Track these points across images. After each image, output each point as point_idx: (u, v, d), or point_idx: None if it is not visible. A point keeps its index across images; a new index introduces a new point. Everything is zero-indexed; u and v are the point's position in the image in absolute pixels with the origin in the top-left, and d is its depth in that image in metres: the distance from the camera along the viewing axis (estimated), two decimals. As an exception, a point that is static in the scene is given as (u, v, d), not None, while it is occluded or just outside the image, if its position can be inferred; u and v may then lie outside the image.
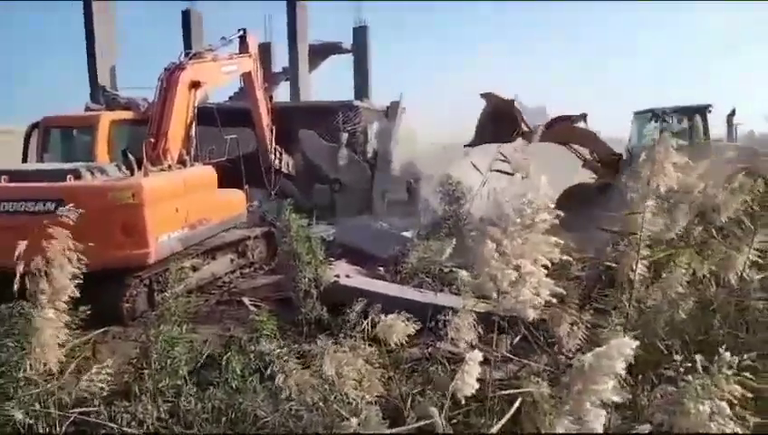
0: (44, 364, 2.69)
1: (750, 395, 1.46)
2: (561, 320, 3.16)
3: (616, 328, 2.80)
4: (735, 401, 1.42)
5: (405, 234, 9.04)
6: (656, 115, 13.49)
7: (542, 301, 1.86)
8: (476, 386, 1.75)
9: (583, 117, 11.98)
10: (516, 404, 1.90)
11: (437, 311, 3.89)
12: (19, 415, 2.70)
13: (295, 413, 2.99)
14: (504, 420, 1.90)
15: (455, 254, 6.31)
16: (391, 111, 15.28)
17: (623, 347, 1.46)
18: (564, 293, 2.14)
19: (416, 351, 4.69)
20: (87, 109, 8.54)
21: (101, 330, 5.32)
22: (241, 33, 9.33)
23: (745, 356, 1.53)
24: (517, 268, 1.73)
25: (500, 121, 10.97)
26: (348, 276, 6.48)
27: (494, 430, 1.86)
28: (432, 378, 3.62)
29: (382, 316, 2.43)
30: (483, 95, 10.90)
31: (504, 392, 2.28)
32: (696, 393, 1.41)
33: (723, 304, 3.21)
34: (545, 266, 1.84)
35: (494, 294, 1.85)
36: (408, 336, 2.64)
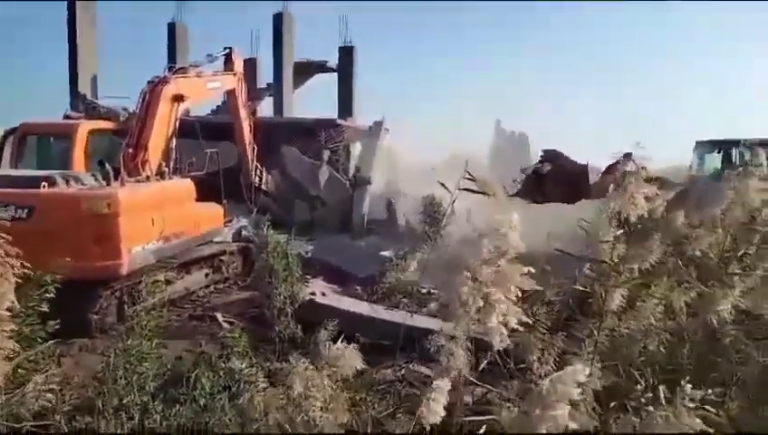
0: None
1: (710, 430, 1.48)
2: (532, 345, 3.18)
3: (587, 356, 2.82)
4: (694, 435, 1.44)
5: (383, 253, 9.04)
6: (721, 145, 13.99)
7: (508, 329, 1.87)
8: (443, 414, 1.74)
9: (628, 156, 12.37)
10: (481, 431, 1.90)
11: (412, 333, 3.88)
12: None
13: (264, 433, 2.95)
14: None
15: (429, 274, 6.32)
16: (374, 131, 15.38)
17: (577, 373, 1.47)
18: (531, 321, 2.16)
19: (389, 372, 4.67)
20: (66, 117, 8.46)
21: (69, 342, 5.18)
22: (227, 51, 9.41)
23: (709, 391, 1.55)
24: (486, 296, 1.74)
25: (567, 182, 10.95)
26: (323, 295, 6.45)
27: None
28: (402, 401, 3.60)
29: (338, 343, 2.39)
30: (546, 152, 10.91)
31: (471, 419, 2.28)
32: (658, 424, 1.43)
33: (694, 337, 3.26)
34: (516, 296, 1.86)
35: (463, 320, 1.86)
36: (381, 357, 2.63)
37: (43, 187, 5.85)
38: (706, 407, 1.53)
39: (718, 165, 14.20)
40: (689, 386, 1.51)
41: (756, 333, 3.26)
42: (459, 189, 3.63)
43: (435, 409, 1.70)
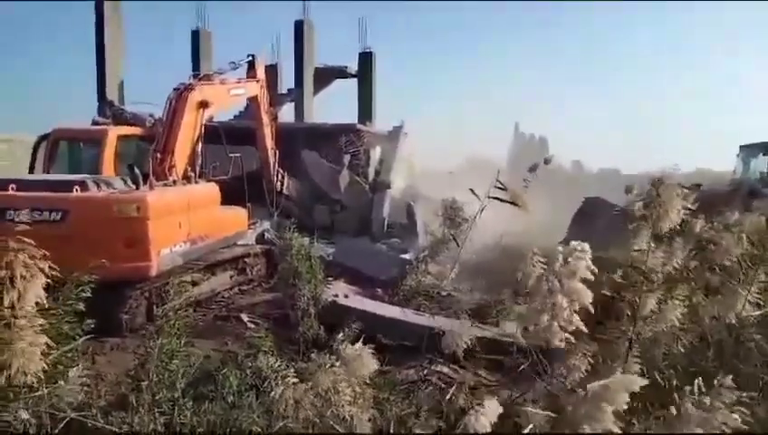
0: (25, 373, 2.70)
1: (745, 428, 1.50)
2: (574, 350, 3.21)
3: (622, 360, 2.84)
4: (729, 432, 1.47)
5: (404, 256, 9.10)
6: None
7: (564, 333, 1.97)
8: (488, 429, 1.80)
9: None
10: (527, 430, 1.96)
11: (434, 334, 3.94)
12: (24, 414, 2.74)
13: (290, 430, 3.03)
14: None
15: (454, 278, 6.36)
16: (393, 136, 15.47)
17: (630, 383, 1.52)
18: (585, 330, 2.25)
19: (412, 373, 4.73)
20: (94, 123, 8.71)
21: (100, 339, 5.34)
22: (250, 58, 9.61)
23: (743, 393, 1.58)
24: (554, 304, 1.84)
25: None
26: (346, 296, 6.53)
27: None
28: (424, 401, 3.65)
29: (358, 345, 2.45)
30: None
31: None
32: (692, 421, 1.46)
33: (719, 339, 3.26)
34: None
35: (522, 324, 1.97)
36: (404, 358, 2.68)
37: (76, 191, 6.05)
38: (740, 408, 1.56)
39: (765, 169, 13.87)
40: (729, 380, 1.54)
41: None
42: (490, 198, 3.68)
43: (483, 422, 1.76)
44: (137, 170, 6.47)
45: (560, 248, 2.23)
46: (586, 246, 2.08)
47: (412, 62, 60.73)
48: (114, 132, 7.50)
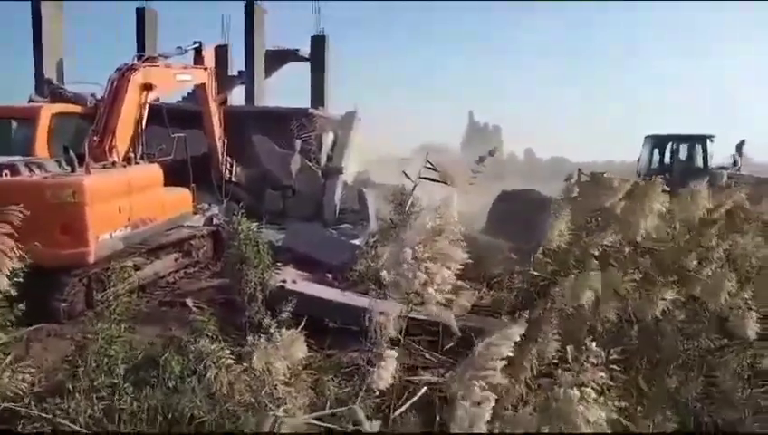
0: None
1: (611, 383, 1.67)
2: (493, 327, 3.36)
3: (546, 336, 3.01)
4: (599, 388, 1.63)
5: (354, 241, 9.16)
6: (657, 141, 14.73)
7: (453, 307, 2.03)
8: (390, 381, 1.89)
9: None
10: (419, 395, 2.06)
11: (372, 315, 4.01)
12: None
13: (232, 413, 3.04)
14: (402, 408, 2.07)
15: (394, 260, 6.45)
16: (346, 121, 15.43)
17: (511, 334, 1.63)
18: (468, 287, 2.33)
19: (356, 355, 4.81)
20: (31, 101, 8.26)
21: (34, 327, 5.15)
22: (197, 45, 9.36)
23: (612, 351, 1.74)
24: (427, 271, 1.87)
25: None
26: (294, 282, 6.53)
27: (394, 415, 2.01)
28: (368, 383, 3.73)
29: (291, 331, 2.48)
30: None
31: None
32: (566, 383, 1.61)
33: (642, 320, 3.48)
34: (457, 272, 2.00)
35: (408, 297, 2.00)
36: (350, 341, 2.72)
37: (5, 175, 5.74)
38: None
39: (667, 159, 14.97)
40: (594, 345, 1.70)
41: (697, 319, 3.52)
42: (420, 178, 3.77)
43: (384, 376, 1.84)
44: (71, 153, 6.19)
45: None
46: (454, 195, 2.06)
47: (368, 48, 60.37)
48: (48, 110, 7.06)
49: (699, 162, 14.46)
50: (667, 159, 14.99)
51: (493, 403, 1.55)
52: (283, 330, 2.42)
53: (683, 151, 14.96)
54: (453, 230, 1.86)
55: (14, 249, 2.52)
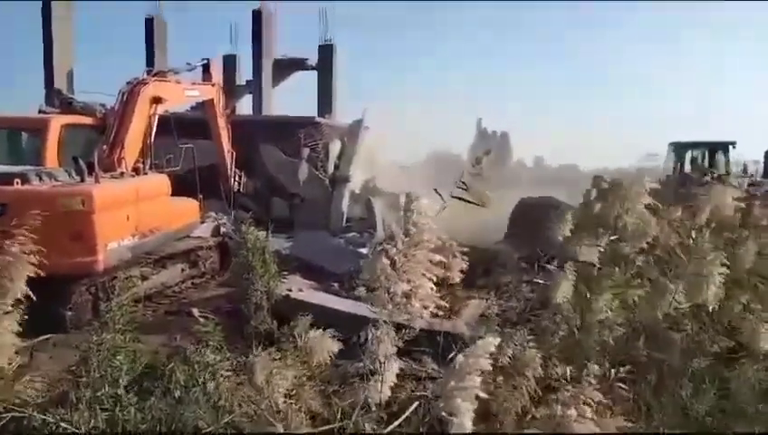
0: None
1: (606, 401, 1.64)
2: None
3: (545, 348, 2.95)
4: (593, 405, 1.59)
5: (361, 250, 9.13)
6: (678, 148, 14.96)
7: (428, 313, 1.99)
8: (389, 393, 1.86)
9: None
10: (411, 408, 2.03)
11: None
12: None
13: (237, 424, 3.01)
14: (395, 424, 2.03)
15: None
16: (353, 129, 15.44)
17: (488, 345, 1.60)
18: (447, 306, 2.30)
19: (362, 365, 4.77)
20: (41, 112, 8.34)
21: (43, 338, 5.17)
22: (204, 61, 9.54)
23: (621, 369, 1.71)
24: (409, 282, 1.85)
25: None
26: (300, 290, 6.52)
27: (388, 429, 1.98)
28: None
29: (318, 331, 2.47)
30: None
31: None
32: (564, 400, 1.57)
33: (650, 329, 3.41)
34: (436, 283, 1.97)
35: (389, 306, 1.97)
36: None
37: (16, 183, 5.80)
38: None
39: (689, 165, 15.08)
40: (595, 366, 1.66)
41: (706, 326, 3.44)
42: (453, 197, 3.76)
43: (383, 390, 1.81)
44: (81, 162, 6.25)
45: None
46: (427, 204, 2.03)
47: (377, 56, 60.42)
48: (57, 121, 7.16)
49: (722, 169, 14.54)
50: (687, 166, 15.17)
51: (471, 415, 1.52)
52: (305, 334, 2.41)
53: (704, 158, 15.14)
54: (431, 239, 1.84)
55: (34, 257, 2.54)
